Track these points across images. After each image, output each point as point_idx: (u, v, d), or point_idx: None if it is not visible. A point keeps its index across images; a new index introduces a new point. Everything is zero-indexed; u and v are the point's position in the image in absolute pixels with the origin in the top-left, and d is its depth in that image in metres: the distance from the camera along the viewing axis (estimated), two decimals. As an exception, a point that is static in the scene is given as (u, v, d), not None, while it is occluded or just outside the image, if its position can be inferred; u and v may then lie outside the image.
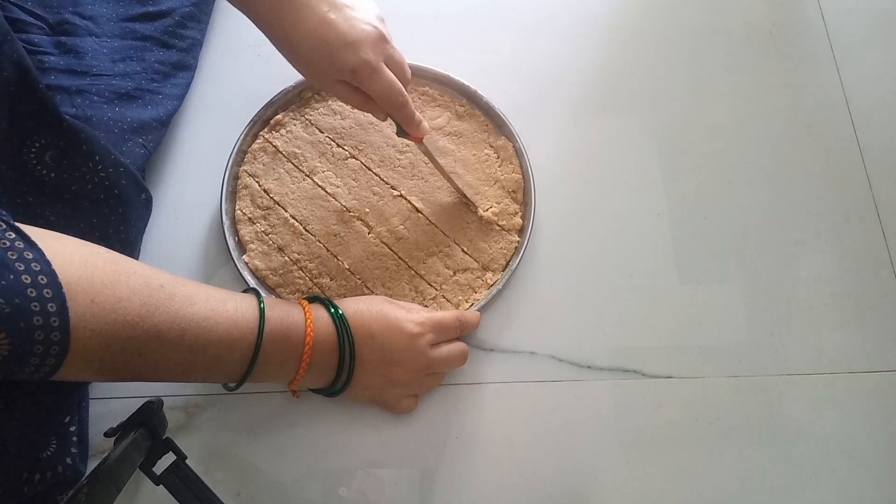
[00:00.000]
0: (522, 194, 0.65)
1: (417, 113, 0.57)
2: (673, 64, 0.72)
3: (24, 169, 0.50)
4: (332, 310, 0.52)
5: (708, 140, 0.69)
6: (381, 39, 0.54)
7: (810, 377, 0.59)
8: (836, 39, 0.73)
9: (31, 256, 0.37)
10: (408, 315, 0.54)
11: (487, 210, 0.63)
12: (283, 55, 0.55)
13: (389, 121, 0.58)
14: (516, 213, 0.64)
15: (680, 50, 0.73)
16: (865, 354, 0.60)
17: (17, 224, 0.39)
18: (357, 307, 0.53)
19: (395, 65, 0.55)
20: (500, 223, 0.63)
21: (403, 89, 0.55)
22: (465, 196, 0.64)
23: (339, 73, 0.53)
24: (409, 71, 0.58)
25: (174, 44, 0.66)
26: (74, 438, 0.51)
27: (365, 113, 0.66)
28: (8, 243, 0.37)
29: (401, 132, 0.59)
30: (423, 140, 0.59)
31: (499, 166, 0.66)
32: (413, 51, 0.69)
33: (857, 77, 0.71)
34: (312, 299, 0.54)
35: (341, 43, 0.52)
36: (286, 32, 0.53)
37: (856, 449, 0.57)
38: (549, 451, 0.57)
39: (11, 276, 0.35)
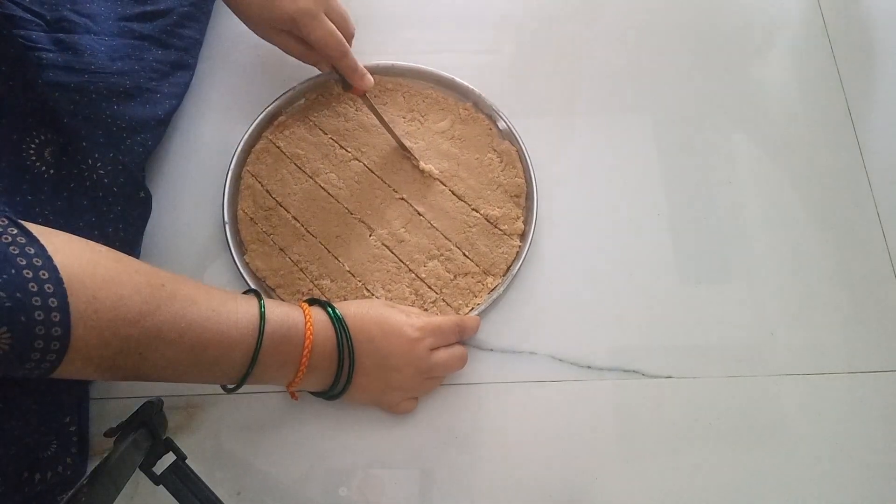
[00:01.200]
0: (525, 199, 0.65)
1: (360, 64, 0.60)
2: (674, 64, 0.73)
3: (23, 166, 0.50)
4: (331, 311, 0.52)
5: (708, 140, 0.69)
6: None
7: (810, 377, 0.59)
8: (835, 39, 0.74)
9: (33, 252, 0.37)
10: (407, 319, 0.54)
11: (429, 164, 0.65)
12: (227, 4, 0.59)
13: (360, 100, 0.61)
14: (518, 218, 0.64)
15: (681, 50, 0.73)
16: (865, 354, 0.60)
17: (19, 220, 0.38)
18: (357, 311, 0.53)
19: (336, 16, 0.60)
20: (502, 227, 0.63)
21: (344, 39, 0.59)
22: (405, 149, 0.66)
23: (280, 21, 0.57)
24: (353, 24, 0.62)
25: (172, 43, 0.66)
26: (74, 438, 0.50)
27: (368, 115, 0.66)
28: (10, 238, 0.37)
29: (346, 86, 0.62)
30: (366, 93, 0.63)
31: (501, 170, 0.66)
32: (415, 52, 0.70)
33: (857, 77, 0.72)
34: (313, 302, 0.54)
35: None
36: None
37: (856, 449, 0.57)
38: (549, 450, 0.57)
39: (13, 271, 0.35)
